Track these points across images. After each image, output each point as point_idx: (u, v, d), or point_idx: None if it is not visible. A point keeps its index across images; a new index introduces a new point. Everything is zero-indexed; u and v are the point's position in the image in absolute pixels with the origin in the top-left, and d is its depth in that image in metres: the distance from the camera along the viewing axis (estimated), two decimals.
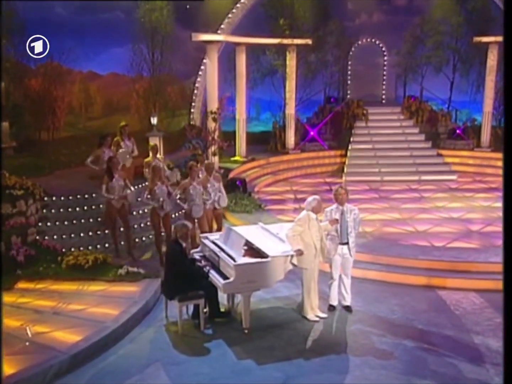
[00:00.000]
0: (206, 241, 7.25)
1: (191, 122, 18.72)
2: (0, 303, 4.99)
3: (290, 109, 17.38)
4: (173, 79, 19.91)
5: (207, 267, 6.71)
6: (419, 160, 15.99)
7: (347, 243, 7.01)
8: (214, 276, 6.53)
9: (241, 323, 6.42)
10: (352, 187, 13.94)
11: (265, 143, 18.13)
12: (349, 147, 16.65)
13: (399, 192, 13.85)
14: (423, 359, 5.84)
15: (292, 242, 6.62)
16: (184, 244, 6.58)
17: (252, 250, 6.74)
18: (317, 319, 6.81)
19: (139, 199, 9.34)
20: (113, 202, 8.72)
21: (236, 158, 15.94)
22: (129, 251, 8.88)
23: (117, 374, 5.54)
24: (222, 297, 7.05)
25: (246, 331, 6.40)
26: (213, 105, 14.06)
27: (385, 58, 20.02)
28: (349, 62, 20.08)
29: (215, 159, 13.68)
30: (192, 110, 19.51)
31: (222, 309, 6.95)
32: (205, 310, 6.68)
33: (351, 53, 20.06)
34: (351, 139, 17.01)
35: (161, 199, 8.48)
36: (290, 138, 17.41)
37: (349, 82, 20.17)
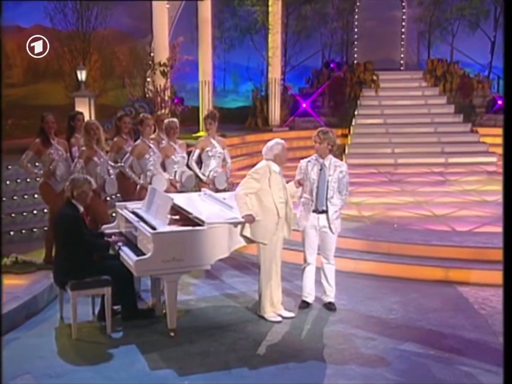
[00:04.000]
0: (123, 212, 6.55)
1: (147, 95, 18.13)
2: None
3: (275, 73, 16.86)
4: (122, 36, 19.39)
5: (119, 243, 6.03)
6: (446, 138, 15.63)
7: (325, 212, 6.30)
8: (125, 254, 5.82)
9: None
10: (356, 170, 13.42)
11: (245, 121, 17.61)
12: (353, 122, 16.25)
13: (416, 175, 13.47)
14: (426, 368, 5.22)
15: (242, 205, 5.92)
16: (81, 208, 5.88)
17: (186, 220, 6.08)
18: (279, 319, 6.16)
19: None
20: (53, 184, 7.37)
21: (200, 134, 15.24)
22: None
23: None
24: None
25: (172, 333, 5.74)
26: (163, 54, 13.47)
27: (404, 10, 19.56)
28: (356, 17, 19.64)
29: None
30: (148, 79, 18.89)
31: (144, 307, 6.36)
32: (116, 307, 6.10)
33: (358, 3, 19.58)
34: (356, 112, 16.63)
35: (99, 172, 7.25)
36: (275, 111, 16.89)
37: (356, 42, 19.73)
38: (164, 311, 6.02)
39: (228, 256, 7.70)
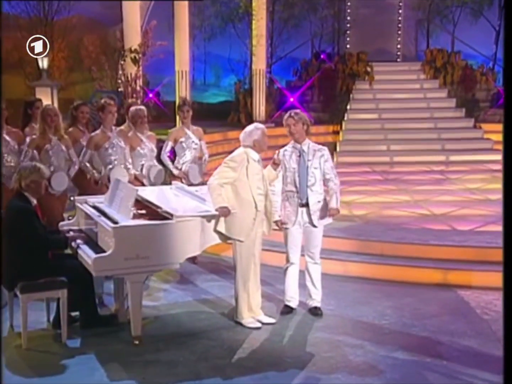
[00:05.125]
0: (83, 207, 6.38)
1: (119, 89, 18.00)
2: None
3: (259, 64, 16.84)
4: (91, 24, 19.28)
5: (78, 241, 5.86)
6: (446, 134, 15.70)
7: (307, 205, 6.16)
8: (84, 252, 5.64)
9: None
10: (348, 169, 13.39)
11: (227, 116, 17.55)
12: (345, 117, 16.28)
13: (414, 174, 13.51)
14: (421, 377, 5.10)
15: (217, 196, 5.78)
16: (34, 201, 5.72)
17: (154, 215, 5.93)
18: (258, 325, 6.02)
19: None
20: (5, 181, 6.93)
21: None
22: None
23: None
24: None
25: (136, 341, 5.58)
26: (134, 40, 13.35)
27: None
28: (348, 3, 19.69)
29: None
30: (120, 71, 18.74)
31: (106, 313, 6.27)
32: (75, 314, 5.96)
33: None
34: (348, 107, 16.69)
35: (52, 168, 7.01)
36: (260, 106, 16.86)
37: (348, 31, 19.75)
38: (128, 317, 5.85)
39: (204, 259, 7.74)
